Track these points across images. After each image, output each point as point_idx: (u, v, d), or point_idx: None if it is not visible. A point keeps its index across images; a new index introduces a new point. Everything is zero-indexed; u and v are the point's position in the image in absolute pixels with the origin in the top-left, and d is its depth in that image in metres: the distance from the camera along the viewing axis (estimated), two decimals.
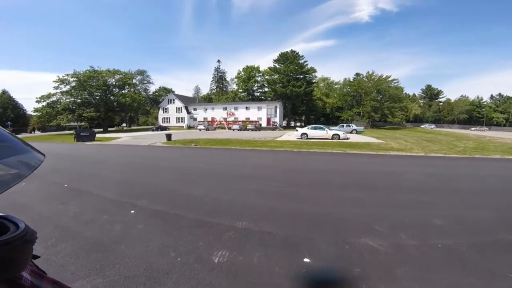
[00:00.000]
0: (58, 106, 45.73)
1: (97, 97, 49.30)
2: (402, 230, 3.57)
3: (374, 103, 51.64)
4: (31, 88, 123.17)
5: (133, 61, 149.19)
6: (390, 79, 53.85)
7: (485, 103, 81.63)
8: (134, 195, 5.33)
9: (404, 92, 62.24)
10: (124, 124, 72.84)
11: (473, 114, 77.24)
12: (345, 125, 36.54)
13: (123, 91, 53.85)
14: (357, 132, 32.56)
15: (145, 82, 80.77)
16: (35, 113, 47.33)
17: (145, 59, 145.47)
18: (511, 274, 2.48)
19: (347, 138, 21.46)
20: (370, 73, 56.05)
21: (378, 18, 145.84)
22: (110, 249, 3.05)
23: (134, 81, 68.71)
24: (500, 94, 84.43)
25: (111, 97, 51.55)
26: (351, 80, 65.18)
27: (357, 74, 66.25)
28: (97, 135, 26.38)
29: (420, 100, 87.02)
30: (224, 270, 2.60)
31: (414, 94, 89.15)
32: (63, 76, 45.75)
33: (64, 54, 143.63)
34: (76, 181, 6.88)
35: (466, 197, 5.31)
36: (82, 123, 51.85)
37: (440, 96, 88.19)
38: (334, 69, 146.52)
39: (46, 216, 4.23)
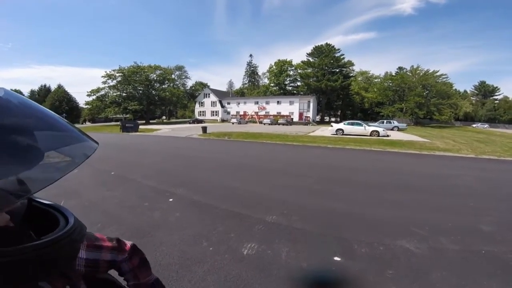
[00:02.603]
0: (106, 99, 49.96)
1: (140, 91, 52.77)
2: (443, 234, 3.36)
3: (419, 99, 47.46)
4: (82, 83, 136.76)
5: (171, 56, 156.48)
6: (437, 74, 49.08)
7: None
8: (173, 184, 5.66)
9: (453, 88, 56.37)
10: (163, 117, 77.15)
11: None
12: (385, 121, 34.30)
13: (163, 86, 56.92)
14: (399, 129, 30.42)
15: (183, 77, 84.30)
16: (86, 106, 52.24)
17: (182, 54, 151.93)
18: None
19: (388, 136, 20.17)
20: (415, 67, 51.67)
21: (423, 11, 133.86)
22: (148, 236, 3.27)
23: (173, 76, 72.05)
24: None
25: (153, 91, 54.80)
26: (393, 74, 60.83)
27: (400, 68, 61.68)
28: (140, 127, 28.37)
29: (472, 97, 78.31)
30: (253, 263, 2.66)
31: (465, 91, 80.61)
32: (110, 72, 49.73)
33: (112, 50, 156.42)
34: (121, 169, 7.50)
35: None
36: (127, 115, 55.96)
37: (495, 94, 78.56)
38: (374, 63, 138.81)
39: (94, 202, 4.65)
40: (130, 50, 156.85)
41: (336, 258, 2.77)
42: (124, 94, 51.49)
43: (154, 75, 55.25)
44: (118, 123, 36.99)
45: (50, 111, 0.60)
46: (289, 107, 53.62)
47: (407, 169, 8.37)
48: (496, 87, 78.90)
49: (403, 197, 5.08)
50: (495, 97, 78.00)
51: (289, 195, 5.07)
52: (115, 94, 50.88)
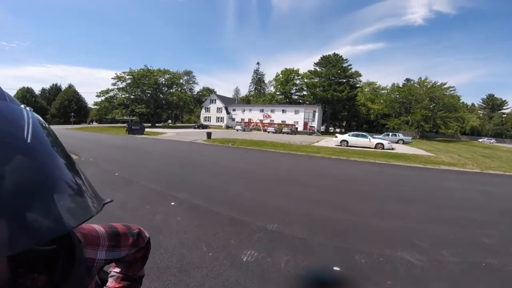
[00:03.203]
0: (115, 101, 50.68)
1: (148, 95, 53.49)
2: (444, 246, 3.36)
3: (425, 111, 47.04)
4: (91, 83, 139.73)
5: (180, 61, 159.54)
6: (445, 86, 48.80)
7: None
8: (176, 188, 5.70)
9: (461, 101, 55.89)
10: (169, 121, 77.91)
11: None
12: (390, 134, 34.03)
13: (171, 90, 57.66)
14: (404, 142, 30.14)
15: (191, 82, 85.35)
16: (95, 106, 53.06)
17: (191, 60, 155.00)
18: None
19: (392, 149, 19.97)
20: (423, 79, 51.50)
21: (433, 21, 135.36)
22: None
23: (181, 81, 73.04)
24: None
25: (161, 95, 55.49)
26: (401, 85, 60.69)
27: (408, 80, 61.54)
28: (145, 130, 28.68)
29: (479, 111, 77.40)
30: (252, 270, 2.66)
31: (472, 104, 79.67)
32: (120, 74, 50.62)
33: (123, 53, 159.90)
34: (125, 171, 7.58)
35: None
36: (134, 118, 56.69)
37: (504, 107, 77.41)
38: (382, 73, 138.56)
39: None
40: (141, 54, 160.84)
41: (336, 268, 2.76)
42: (132, 97, 52.22)
43: (163, 79, 56.05)
44: (124, 125, 37.46)
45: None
46: (294, 116, 53.70)
47: (410, 182, 8.30)
48: (505, 100, 77.72)
49: (405, 208, 5.04)
50: (503, 111, 76.91)
51: (291, 203, 5.06)
52: (123, 96, 51.61)
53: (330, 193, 6.16)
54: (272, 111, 57.46)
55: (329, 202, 5.31)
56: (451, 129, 48.37)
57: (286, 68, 69.80)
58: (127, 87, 51.36)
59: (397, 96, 56.82)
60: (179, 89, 63.25)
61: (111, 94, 51.02)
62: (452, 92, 49.52)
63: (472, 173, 10.57)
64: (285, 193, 5.82)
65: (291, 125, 49.87)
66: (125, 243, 0.76)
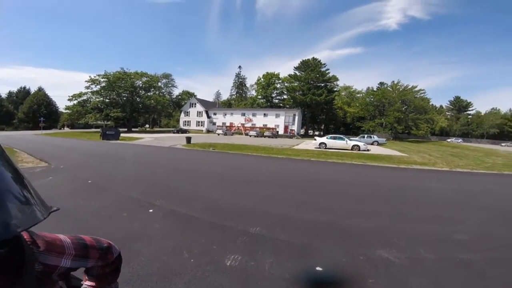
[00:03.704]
0: (88, 105, 48.36)
1: (124, 98, 51.59)
2: (420, 244, 3.49)
3: (398, 114, 49.57)
4: (64, 87, 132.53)
5: (159, 64, 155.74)
6: (416, 89, 51.71)
7: None
8: (153, 195, 5.51)
9: (430, 103, 59.45)
10: (147, 125, 75.65)
11: (505, 129, 71.77)
12: (366, 136, 35.44)
13: (149, 93, 56.05)
14: (379, 144, 31.48)
15: (170, 85, 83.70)
16: (66, 111, 50.33)
17: (171, 63, 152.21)
18: None
19: (368, 150, 20.80)
20: (395, 82, 54.27)
21: (407, 27, 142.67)
22: (126, 247, 3.13)
23: (159, 84, 71.40)
24: None
25: (137, 98, 53.76)
26: (375, 89, 63.48)
27: (381, 84, 64.56)
28: (121, 135, 27.59)
29: (447, 112, 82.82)
30: (236, 274, 2.62)
31: (441, 106, 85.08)
32: (95, 77, 48.46)
33: (99, 55, 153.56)
34: (99, 178, 7.23)
35: (490, 214, 5.08)
36: (108, 122, 54.41)
37: (469, 109, 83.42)
38: (359, 77, 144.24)
39: (67, 210, 4.40)
40: (118, 57, 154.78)
41: (319, 268, 2.79)
42: (107, 100, 50.16)
43: (140, 82, 54.42)
44: (98, 130, 35.80)
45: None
46: (275, 120, 54.31)
47: (386, 182, 8.66)
48: (470, 102, 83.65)
49: (382, 208, 5.22)
50: (469, 112, 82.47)
51: (272, 206, 5.07)
52: (97, 99, 49.44)
53: (310, 194, 6.25)
54: (253, 115, 57.70)
55: (309, 204, 5.38)
56: (422, 130, 51.24)
57: (267, 72, 70.74)
58: (102, 91, 49.26)
59: (372, 99, 59.26)
60: (157, 92, 61.64)
61: (85, 97, 48.68)
62: (422, 95, 52.57)
63: (442, 172, 11.23)
64: (266, 196, 5.83)
65: (272, 128, 50.37)
66: (93, 255, 0.79)
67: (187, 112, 65.48)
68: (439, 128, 71.00)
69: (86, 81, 48.10)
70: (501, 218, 4.84)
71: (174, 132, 47.74)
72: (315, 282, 2.59)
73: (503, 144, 56.45)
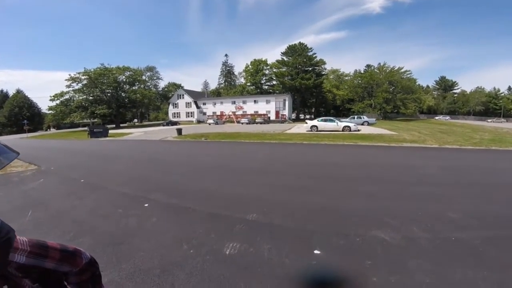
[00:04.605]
0: (71, 104, 47.05)
1: (108, 94, 50.34)
2: (414, 223, 3.50)
3: (386, 94, 50.34)
4: (44, 87, 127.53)
5: (142, 58, 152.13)
6: (402, 70, 52.30)
7: (503, 94, 78.63)
8: (148, 189, 5.45)
9: (417, 83, 60.39)
10: (135, 120, 74.18)
11: (490, 106, 74.46)
12: (356, 117, 35.75)
13: (134, 88, 54.77)
14: (369, 124, 31.83)
15: (155, 78, 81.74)
16: (50, 112, 48.81)
17: (154, 55, 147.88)
18: None
19: (358, 130, 21.07)
20: (382, 64, 54.56)
21: (391, 9, 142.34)
22: (125, 243, 3.14)
23: (143, 77, 69.62)
24: None
25: (122, 93, 52.52)
26: (362, 72, 63.65)
27: (368, 66, 64.82)
28: (110, 131, 27.03)
29: (434, 92, 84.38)
30: (236, 262, 2.64)
31: (427, 86, 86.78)
32: (75, 75, 46.96)
33: (76, 52, 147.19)
34: (92, 177, 7.10)
35: (481, 190, 5.12)
36: (95, 120, 53.14)
37: (454, 88, 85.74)
38: (346, 60, 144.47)
39: (63, 211, 4.37)
40: (97, 52, 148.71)
41: (316, 252, 2.82)
42: (91, 98, 48.83)
43: (123, 77, 53.00)
44: (86, 128, 34.93)
45: None
46: (266, 106, 54.10)
47: (377, 161, 8.82)
48: (455, 81, 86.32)
49: (375, 188, 5.30)
50: (454, 91, 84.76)
51: (268, 192, 5.09)
52: (81, 98, 48.11)
53: (304, 178, 6.31)
54: (244, 102, 57.28)
55: (303, 188, 5.43)
56: (410, 109, 52.30)
57: (255, 59, 69.68)
58: (84, 88, 47.87)
59: (360, 81, 59.67)
60: (142, 86, 60.17)
61: (67, 97, 47.35)
62: (408, 75, 53.37)
63: (432, 149, 11.50)
64: (261, 183, 5.85)
65: (264, 114, 50.33)
66: (53, 255, 0.81)
67: (176, 104, 64.40)
68: (426, 107, 72.45)
69: (66, 79, 46.67)
70: (492, 194, 4.87)
71: (164, 125, 47.13)
72: (314, 265, 2.61)
73: (489, 120, 58.18)
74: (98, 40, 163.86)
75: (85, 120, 52.81)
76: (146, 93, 54.90)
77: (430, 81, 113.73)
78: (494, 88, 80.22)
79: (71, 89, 47.30)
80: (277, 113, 52.66)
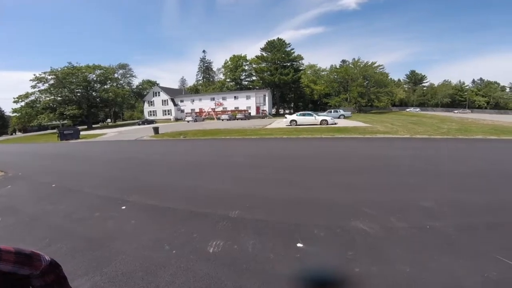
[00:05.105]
0: (38, 105, 44.20)
1: (78, 94, 47.81)
2: (391, 213, 3.60)
3: (360, 88, 52.11)
4: (8, 88, 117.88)
5: (115, 55, 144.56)
6: (375, 65, 54.26)
7: (467, 87, 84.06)
8: (125, 191, 5.25)
9: (389, 77, 62.93)
10: (109, 120, 70.95)
11: (456, 98, 79.30)
12: (332, 110, 36.74)
13: (105, 86, 52.39)
14: (345, 117, 32.81)
15: (128, 75, 78.16)
16: (15, 114, 45.55)
17: (128, 52, 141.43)
18: (496, 254, 2.52)
19: (335, 123, 21.64)
20: (356, 59, 56.29)
21: (366, 5, 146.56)
22: (105, 246, 3.03)
23: (116, 75, 66.61)
24: (481, 79, 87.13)
25: (93, 93, 50.11)
26: (338, 67, 65.28)
27: (343, 61, 66.50)
28: (81, 133, 25.67)
29: (404, 85, 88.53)
30: (220, 260, 2.63)
31: (399, 80, 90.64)
32: (40, 74, 44.04)
33: (40, 51, 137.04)
34: (64, 180, 6.72)
35: (450, 179, 5.36)
36: (65, 122, 50.20)
37: (424, 81, 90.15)
38: (322, 55, 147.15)
39: (36, 217, 4.14)
40: (64, 50, 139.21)
41: (299, 245, 2.87)
42: (59, 98, 46.07)
43: (94, 76, 50.45)
44: (55, 130, 32.84)
45: None
46: (246, 102, 53.84)
47: (353, 152, 9.14)
48: (424, 75, 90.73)
49: (352, 179, 5.49)
50: (424, 84, 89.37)
51: (250, 188, 5.11)
52: (48, 98, 45.18)
53: (285, 172, 6.38)
54: (223, 98, 56.52)
55: (285, 181, 5.49)
56: (383, 102, 54.54)
57: (234, 55, 68.78)
58: (51, 89, 44.98)
59: (336, 76, 61.13)
60: (115, 84, 57.57)
61: (33, 98, 44.26)
62: (381, 70, 55.44)
63: (404, 139, 12.08)
64: (244, 179, 5.85)
65: (244, 110, 50.16)
66: (7, 258, 0.81)
67: (151, 102, 62.26)
68: (398, 100, 75.82)
69: (31, 80, 43.51)
70: (461, 183, 5.10)
71: (139, 124, 45.50)
72: (298, 258, 2.65)
73: (455, 111, 62.09)
74: (66, 38, 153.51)
75: (54, 122, 49.72)
76: (119, 91, 52.65)
77: (402, 75, 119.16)
78: (460, 81, 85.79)
79: (37, 89, 44.40)
80: (257, 108, 52.68)
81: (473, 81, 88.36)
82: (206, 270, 2.46)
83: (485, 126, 17.58)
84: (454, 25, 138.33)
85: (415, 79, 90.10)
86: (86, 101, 47.79)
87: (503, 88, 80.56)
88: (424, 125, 19.19)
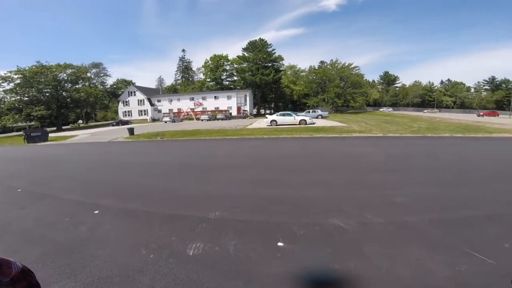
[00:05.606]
0: (2, 106, 41.01)
1: (47, 94, 44.94)
2: (367, 209, 3.72)
3: (337, 89, 53.76)
4: None
5: (90, 54, 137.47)
6: (352, 66, 56.25)
7: (436, 87, 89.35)
8: (97, 195, 5.02)
9: (364, 78, 65.46)
10: (80, 121, 67.26)
11: (426, 98, 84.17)
12: (311, 111, 37.59)
13: (77, 86, 49.76)
14: (323, 117, 33.66)
15: (102, 75, 74.62)
16: None
17: (102, 50, 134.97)
18: (468, 249, 2.62)
19: (313, 123, 22.18)
20: (334, 61, 57.99)
21: (345, 7, 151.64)
22: (77, 252, 2.89)
23: (88, 74, 63.43)
24: (448, 80, 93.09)
25: (64, 93, 47.38)
26: (316, 68, 66.82)
27: (322, 62, 68.10)
28: (50, 135, 24.15)
29: (378, 86, 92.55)
30: (201, 262, 2.58)
31: (373, 80, 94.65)
32: (6, 74, 41.08)
33: (5, 50, 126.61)
34: (31, 185, 6.30)
35: (421, 175, 5.64)
36: (32, 123, 47.05)
37: (396, 82, 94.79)
38: (302, 56, 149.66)
39: (2, 224, 3.88)
40: (35, 49, 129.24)
41: (280, 244, 2.88)
42: (26, 98, 43.07)
43: (65, 75, 47.72)
44: (21, 132, 30.58)
45: None
46: (227, 102, 53.44)
47: (330, 151, 9.41)
48: (397, 76, 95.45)
49: (329, 177, 5.64)
50: (396, 85, 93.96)
51: (230, 188, 5.07)
52: (13, 99, 42.05)
53: (264, 171, 6.42)
54: (203, 98, 55.66)
55: (265, 181, 5.51)
56: (358, 103, 56.78)
57: (215, 54, 67.94)
58: (17, 88, 41.90)
59: (314, 77, 62.57)
60: (87, 84, 54.79)
61: None
62: (357, 71, 57.63)
63: (378, 138, 12.63)
64: (223, 179, 5.79)
65: (225, 110, 49.82)
66: None
67: (126, 102, 59.92)
68: (372, 100, 79.16)
69: None
70: (430, 178, 5.36)
71: (113, 125, 43.59)
72: (279, 257, 2.66)
73: (425, 111, 66.11)
74: (36, 36, 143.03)
75: (20, 124, 46.36)
76: (91, 91, 50.11)
77: (376, 76, 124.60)
78: (429, 82, 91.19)
79: (1, 89, 41.41)
80: (238, 108, 52.51)
81: (441, 82, 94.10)
82: (187, 273, 2.41)
83: (452, 125, 18.84)
84: (422, 28, 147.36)
85: (388, 80, 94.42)
86: (55, 101, 45.00)
87: (468, 89, 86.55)
88: (396, 124, 20.16)
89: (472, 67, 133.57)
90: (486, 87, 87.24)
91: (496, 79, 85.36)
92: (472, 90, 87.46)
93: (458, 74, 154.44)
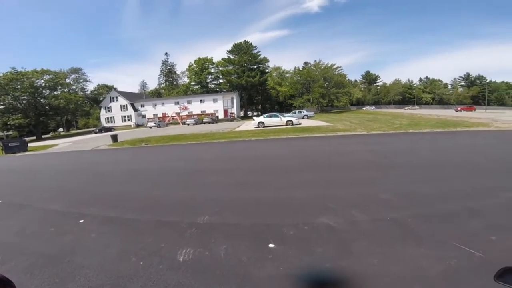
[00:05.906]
0: None
1: (24, 102, 42.95)
2: (353, 206, 3.79)
3: (321, 90, 54.73)
4: None
5: (68, 59, 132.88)
6: (335, 67, 57.43)
7: (415, 85, 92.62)
8: (82, 204, 4.89)
9: (347, 78, 67.06)
10: (61, 129, 64.84)
11: (406, 95, 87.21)
12: (297, 111, 38.09)
13: (56, 93, 47.89)
14: (308, 117, 34.18)
15: (81, 80, 72.62)
16: None
17: (81, 55, 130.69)
18: (455, 242, 2.66)
19: (300, 124, 22.53)
20: (317, 61, 58.99)
21: (327, 9, 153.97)
22: (65, 261, 2.82)
23: (67, 80, 61.37)
24: (427, 77, 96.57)
25: (42, 100, 45.44)
26: (301, 69, 67.78)
27: (306, 63, 69.23)
28: (30, 144, 23.16)
29: (361, 85, 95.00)
30: (192, 267, 2.57)
31: (355, 80, 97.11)
32: None
33: None
34: (12, 196, 6.09)
35: (404, 171, 5.82)
36: (10, 133, 44.88)
37: (377, 81, 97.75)
38: (287, 58, 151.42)
39: None
40: (9, 55, 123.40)
41: (271, 245, 2.90)
42: (1, 107, 40.99)
43: (42, 81, 45.75)
44: None
45: None
46: (213, 105, 53.08)
47: (316, 151, 9.59)
48: (378, 75, 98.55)
49: (316, 176, 5.76)
50: (377, 84, 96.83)
51: (219, 192, 5.07)
52: None
53: (253, 173, 6.47)
54: (189, 102, 54.97)
55: (253, 183, 5.56)
56: (342, 102, 58.07)
57: (199, 57, 67.41)
58: None
59: (299, 78, 63.39)
60: (66, 90, 52.91)
61: None
62: (340, 71, 58.85)
63: (362, 136, 12.99)
64: (212, 183, 5.78)
65: (212, 114, 49.39)
66: None
67: (108, 108, 58.26)
68: (355, 99, 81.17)
69: None
70: (413, 174, 5.52)
71: (95, 132, 42.12)
72: (271, 259, 2.67)
73: (406, 107, 68.21)
74: (11, 40, 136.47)
75: None
76: (71, 97, 48.39)
77: (358, 75, 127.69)
78: (409, 80, 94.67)
79: None
80: (225, 111, 52.25)
81: (420, 80, 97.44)
82: (178, 279, 2.39)
83: (431, 120, 19.63)
84: (402, 28, 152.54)
85: (370, 79, 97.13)
86: (33, 109, 43.10)
87: (445, 85, 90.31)
88: (379, 122, 20.77)
89: (448, 64, 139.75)
90: (462, 83, 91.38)
91: (471, 76, 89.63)
92: (449, 86, 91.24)
93: (435, 71, 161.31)
